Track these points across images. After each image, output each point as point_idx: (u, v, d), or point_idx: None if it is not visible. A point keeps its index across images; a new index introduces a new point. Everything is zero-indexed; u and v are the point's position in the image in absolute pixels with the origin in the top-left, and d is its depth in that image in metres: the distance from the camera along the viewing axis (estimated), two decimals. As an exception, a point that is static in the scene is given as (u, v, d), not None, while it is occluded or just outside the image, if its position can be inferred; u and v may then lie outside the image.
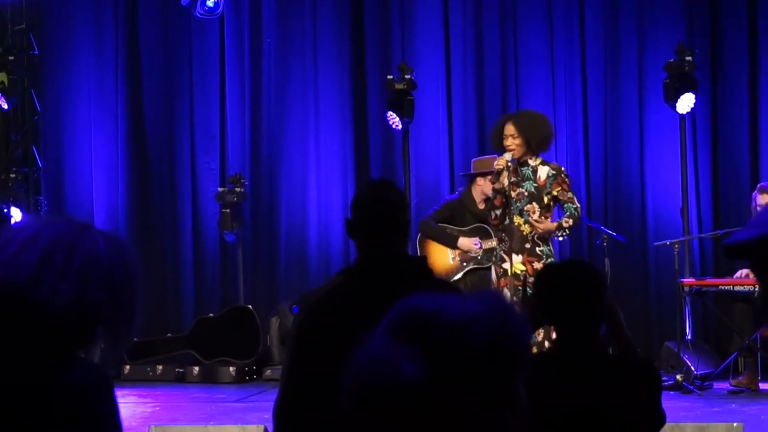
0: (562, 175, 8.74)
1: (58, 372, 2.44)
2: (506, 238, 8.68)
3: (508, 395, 1.80)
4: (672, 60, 10.71)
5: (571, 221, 8.69)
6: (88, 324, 2.48)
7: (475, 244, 10.11)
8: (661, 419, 3.74)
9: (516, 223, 8.62)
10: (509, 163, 8.64)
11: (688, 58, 10.63)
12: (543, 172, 8.70)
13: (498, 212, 8.70)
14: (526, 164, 8.71)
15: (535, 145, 8.68)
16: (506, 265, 8.63)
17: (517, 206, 8.64)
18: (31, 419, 2.41)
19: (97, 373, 2.53)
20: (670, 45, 11.06)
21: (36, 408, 2.42)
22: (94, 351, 10.36)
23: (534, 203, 8.63)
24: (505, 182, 8.65)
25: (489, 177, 9.89)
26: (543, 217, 8.63)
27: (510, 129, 8.69)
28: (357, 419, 1.76)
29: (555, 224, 8.63)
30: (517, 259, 8.59)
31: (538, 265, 8.39)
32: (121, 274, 2.51)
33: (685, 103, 10.63)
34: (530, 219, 8.58)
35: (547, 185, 8.65)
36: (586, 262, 4.10)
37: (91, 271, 2.46)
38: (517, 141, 8.63)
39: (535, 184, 8.65)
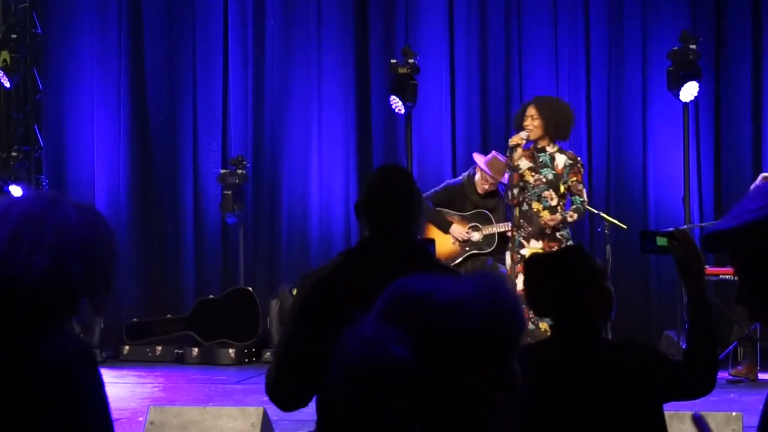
0: (578, 165, 8.88)
1: (36, 345, 2.44)
2: (525, 224, 8.74)
3: (503, 375, 1.79)
4: (676, 48, 10.69)
5: (575, 216, 8.79)
6: (66, 295, 2.48)
7: (466, 234, 10.12)
8: (681, 385, 3.67)
9: (535, 209, 8.68)
10: (523, 141, 8.78)
11: (693, 47, 10.61)
12: (560, 160, 8.81)
13: (515, 191, 8.78)
14: (544, 151, 8.83)
15: (552, 128, 8.84)
16: (524, 251, 8.67)
17: (535, 192, 8.72)
18: (5, 395, 2.41)
19: (77, 347, 2.52)
20: (674, 33, 11.03)
21: (12, 382, 2.41)
22: (93, 329, 10.31)
23: (551, 190, 8.72)
24: (518, 161, 8.75)
25: (489, 179, 10.01)
26: (559, 206, 8.72)
27: (531, 110, 8.91)
28: (346, 399, 1.75)
29: (560, 218, 8.69)
30: (537, 244, 8.65)
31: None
32: (95, 244, 2.51)
33: (689, 91, 10.61)
34: (543, 220, 8.65)
35: (564, 174, 8.79)
36: (577, 249, 3.99)
37: (63, 242, 2.46)
38: (536, 122, 8.83)
39: (554, 172, 8.77)
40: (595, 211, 10.77)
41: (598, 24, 11.97)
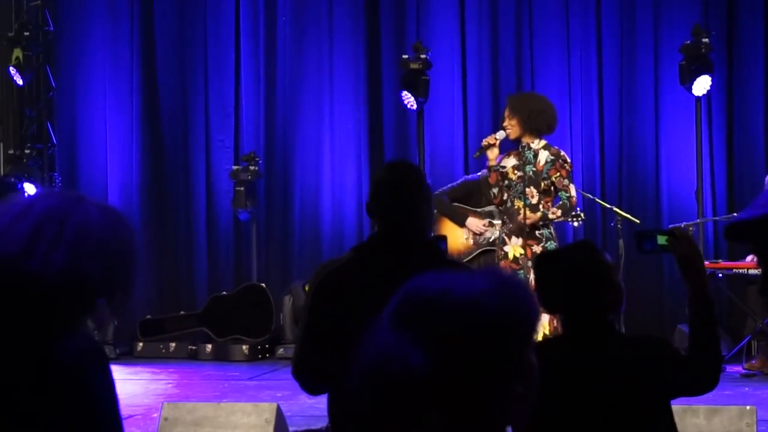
0: (560, 161, 8.67)
1: (50, 345, 2.44)
2: (507, 221, 8.71)
3: (520, 367, 1.79)
4: (688, 42, 10.68)
5: (559, 212, 8.63)
6: (82, 294, 2.48)
7: (483, 227, 10.11)
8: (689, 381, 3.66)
9: (516, 207, 8.62)
10: (496, 140, 8.74)
11: (705, 40, 10.59)
12: (543, 156, 8.66)
13: (495, 190, 8.76)
14: (529, 147, 8.69)
15: (524, 122, 8.66)
16: (507, 248, 8.66)
17: (517, 189, 8.64)
18: (17, 393, 2.41)
19: (90, 346, 2.52)
20: (686, 27, 11.01)
21: (23, 381, 2.41)
22: (106, 327, 10.35)
23: (532, 187, 8.61)
24: (495, 160, 8.72)
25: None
26: (541, 203, 8.61)
27: (506, 111, 8.83)
28: (364, 408, 1.75)
29: (539, 216, 8.56)
30: (516, 242, 8.60)
31: (537, 249, 8.39)
32: (115, 245, 2.51)
33: (701, 85, 10.60)
34: (521, 216, 8.59)
35: (545, 171, 8.63)
36: (586, 244, 3.97)
37: (83, 241, 2.45)
38: (512, 121, 8.70)
39: (534, 169, 8.62)
40: (608, 206, 10.76)
41: (610, 18, 11.95)
